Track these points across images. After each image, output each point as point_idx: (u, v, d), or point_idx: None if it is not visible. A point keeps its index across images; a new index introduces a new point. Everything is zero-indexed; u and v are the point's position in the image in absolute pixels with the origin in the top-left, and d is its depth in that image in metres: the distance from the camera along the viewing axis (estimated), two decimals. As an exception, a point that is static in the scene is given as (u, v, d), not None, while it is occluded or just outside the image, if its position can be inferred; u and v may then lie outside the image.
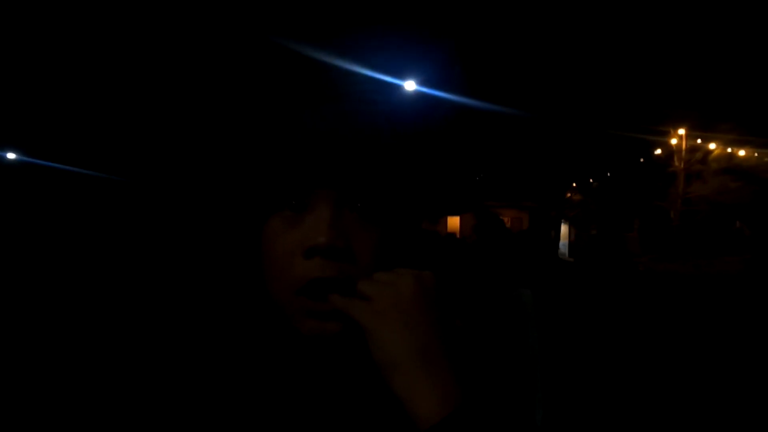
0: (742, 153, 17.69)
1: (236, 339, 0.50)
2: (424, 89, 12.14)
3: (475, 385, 0.43)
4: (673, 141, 18.20)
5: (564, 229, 21.87)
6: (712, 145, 17.88)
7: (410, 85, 11.80)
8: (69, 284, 5.64)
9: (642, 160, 19.57)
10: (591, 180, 21.05)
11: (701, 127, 17.26)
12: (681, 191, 18.05)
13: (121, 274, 5.56)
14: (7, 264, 7.13)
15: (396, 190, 0.49)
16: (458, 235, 16.06)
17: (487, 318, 0.57)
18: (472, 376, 0.44)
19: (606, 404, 3.15)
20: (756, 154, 17.71)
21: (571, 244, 21.44)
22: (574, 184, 21.54)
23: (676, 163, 18.28)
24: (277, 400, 0.48)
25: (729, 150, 17.72)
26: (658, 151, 19.03)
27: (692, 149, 18.18)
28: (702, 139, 17.90)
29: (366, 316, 0.44)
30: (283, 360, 0.49)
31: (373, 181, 0.48)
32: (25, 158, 12.22)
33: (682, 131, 17.94)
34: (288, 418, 0.47)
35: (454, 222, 21.10)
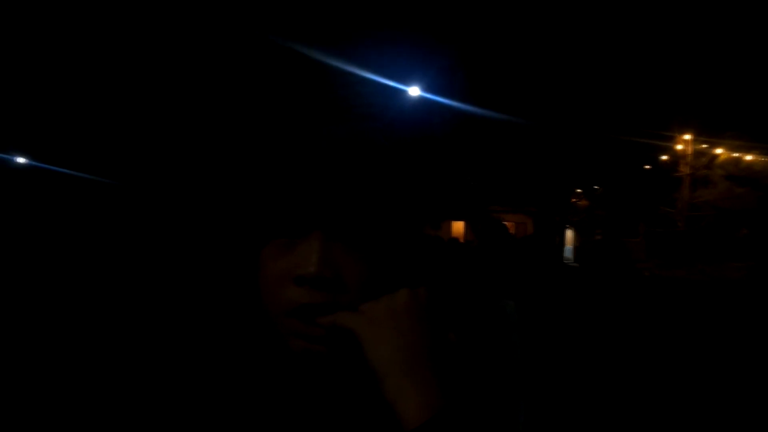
0: (748, 158, 17.60)
1: (231, 352, 0.52)
2: (429, 95, 12.17)
3: (459, 392, 0.45)
4: (679, 146, 18.13)
5: (569, 234, 21.81)
6: (718, 151, 17.79)
7: (414, 91, 11.83)
8: (66, 292, 5.67)
9: (647, 166, 19.50)
10: (596, 186, 21.00)
11: (707, 132, 17.20)
12: (687, 197, 17.96)
13: (121, 283, 5.59)
14: (2, 267, 7.19)
15: (392, 222, 0.50)
16: (462, 240, 16.05)
17: (473, 329, 0.59)
18: (459, 383, 0.46)
19: (599, 409, 3.16)
20: (763, 160, 17.60)
21: (576, 249, 21.37)
22: (579, 190, 21.49)
23: (682, 169, 18.20)
24: (267, 411, 0.50)
25: (735, 155, 17.63)
26: (664, 157, 18.95)
27: (698, 154, 18.11)
28: (708, 145, 17.83)
29: (360, 325, 0.46)
30: (274, 373, 0.51)
31: (367, 217, 0.49)
32: (30, 162, 12.36)
33: (688, 136, 17.87)
34: (278, 427, 0.49)
35: (458, 226, 21.07)
